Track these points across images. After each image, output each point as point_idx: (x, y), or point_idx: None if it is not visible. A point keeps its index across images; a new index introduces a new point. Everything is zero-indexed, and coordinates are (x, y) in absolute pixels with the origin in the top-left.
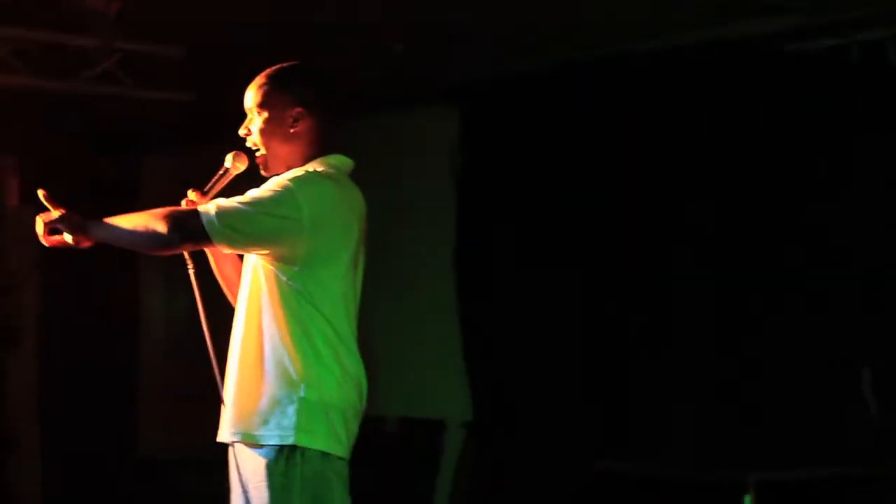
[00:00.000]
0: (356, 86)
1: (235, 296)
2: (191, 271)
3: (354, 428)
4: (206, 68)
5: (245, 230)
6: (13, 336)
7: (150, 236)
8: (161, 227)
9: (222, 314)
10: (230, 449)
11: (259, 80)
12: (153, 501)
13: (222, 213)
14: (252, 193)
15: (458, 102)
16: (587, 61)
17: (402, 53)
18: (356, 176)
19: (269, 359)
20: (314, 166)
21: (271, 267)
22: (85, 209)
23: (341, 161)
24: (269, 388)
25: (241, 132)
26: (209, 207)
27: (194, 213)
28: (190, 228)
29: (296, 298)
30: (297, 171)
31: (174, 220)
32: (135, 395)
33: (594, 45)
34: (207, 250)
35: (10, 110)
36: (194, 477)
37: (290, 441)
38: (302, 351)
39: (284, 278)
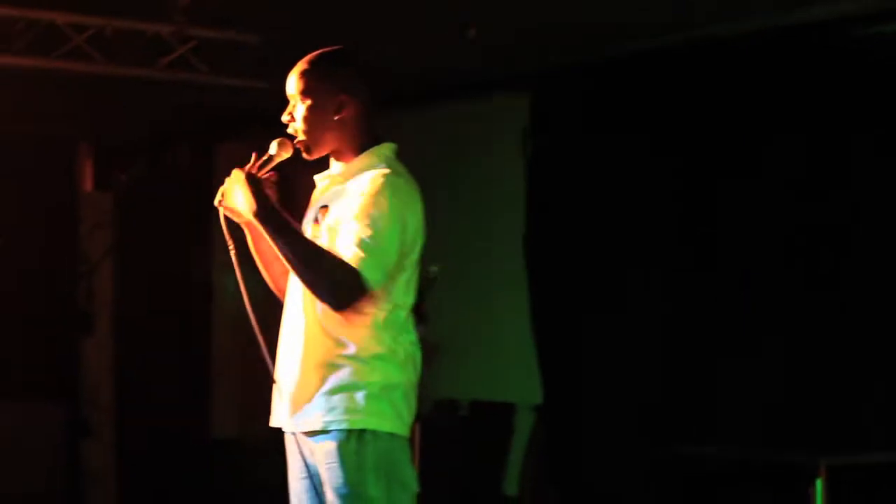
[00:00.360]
0: (428, 71)
1: (271, 273)
2: (232, 253)
3: (413, 405)
4: (281, 56)
5: (390, 267)
6: (88, 322)
7: (319, 287)
8: (329, 289)
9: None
10: (290, 436)
11: (301, 65)
12: (226, 483)
13: (375, 264)
14: (364, 213)
15: (530, 89)
16: (659, 49)
17: (475, 39)
18: (430, 162)
19: (333, 345)
20: (375, 159)
21: None
22: (158, 194)
23: (392, 149)
24: (336, 374)
25: (284, 118)
26: (363, 264)
27: (364, 288)
28: (357, 295)
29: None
30: (377, 179)
31: (347, 296)
32: (208, 377)
33: (666, 32)
34: (244, 226)
35: (85, 97)
36: (267, 459)
37: (360, 426)
38: (366, 336)
39: None
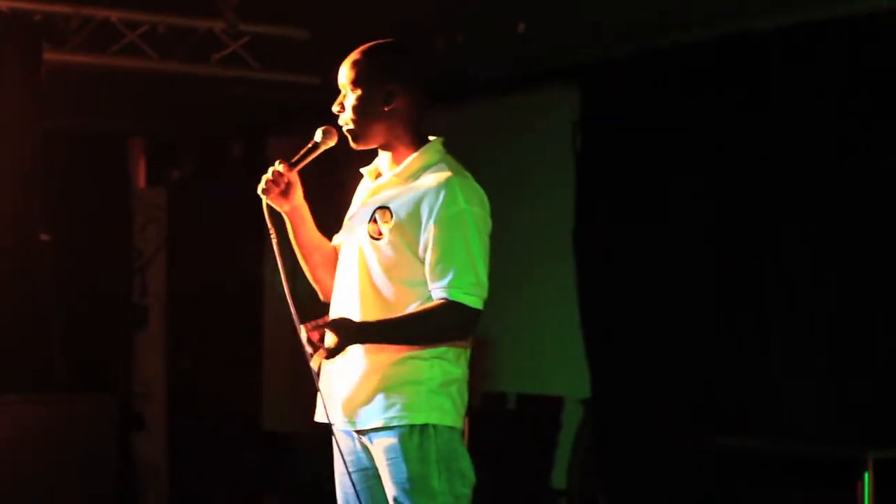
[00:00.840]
0: (478, 65)
1: (309, 264)
2: (274, 241)
3: (466, 398)
4: (331, 51)
5: (485, 279)
6: (142, 316)
7: (443, 339)
8: (453, 334)
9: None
10: (342, 432)
11: (353, 56)
12: (276, 475)
13: (479, 291)
14: (448, 240)
15: (579, 82)
16: (709, 40)
17: (524, 33)
18: (479, 155)
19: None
20: (430, 157)
21: (410, 254)
22: (210, 189)
23: (443, 143)
24: (396, 371)
25: (335, 109)
26: (468, 295)
27: (472, 312)
28: (474, 323)
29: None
30: (444, 189)
31: (465, 328)
32: (259, 370)
33: (715, 23)
34: (284, 214)
35: (138, 93)
36: (318, 451)
37: (421, 420)
38: None
39: (420, 263)
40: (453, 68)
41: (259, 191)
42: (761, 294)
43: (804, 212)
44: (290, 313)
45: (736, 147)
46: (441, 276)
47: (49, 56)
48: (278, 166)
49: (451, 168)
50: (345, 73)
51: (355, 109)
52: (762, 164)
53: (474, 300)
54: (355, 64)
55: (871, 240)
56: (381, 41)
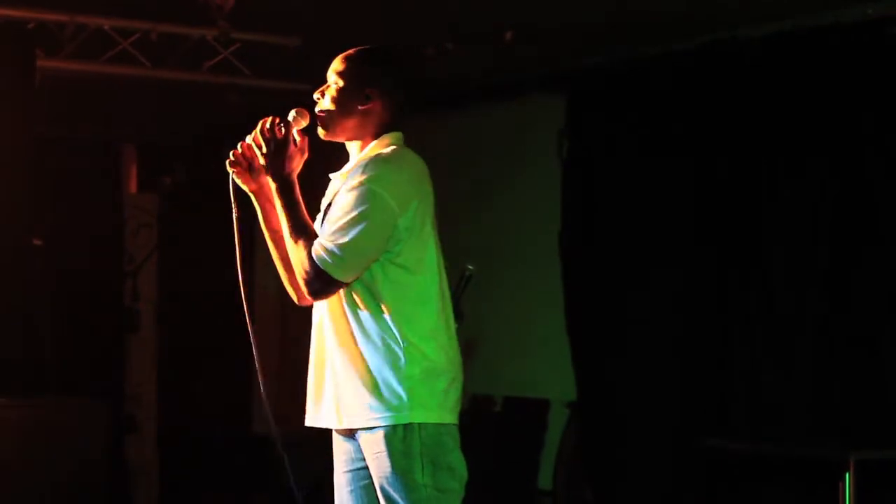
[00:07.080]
0: (467, 74)
1: (280, 252)
2: (235, 219)
3: (460, 388)
4: (322, 58)
5: (368, 256)
6: (134, 320)
7: (294, 273)
8: (300, 279)
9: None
10: (334, 432)
11: (348, 52)
12: (266, 478)
13: (346, 256)
14: (343, 210)
15: (566, 91)
16: (695, 48)
17: (512, 42)
18: (467, 162)
19: (371, 339)
20: (377, 149)
21: None
22: (201, 195)
23: (398, 137)
24: (376, 370)
25: (315, 95)
26: (327, 259)
27: (332, 282)
28: (324, 285)
29: (394, 271)
30: (368, 168)
31: (309, 280)
32: (249, 374)
33: (701, 32)
34: (252, 195)
35: (130, 100)
36: (308, 454)
37: (405, 420)
38: (405, 324)
39: (381, 258)
40: (443, 76)
41: (227, 164)
42: (745, 297)
43: (788, 215)
44: (284, 319)
45: (722, 153)
46: (329, 234)
47: (43, 63)
48: (255, 135)
49: (390, 152)
50: (335, 64)
51: (334, 100)
52: (748, 169)
53: (340, 273)
54: (346, 58)
55: (854, 244)
56: (376, 46)
